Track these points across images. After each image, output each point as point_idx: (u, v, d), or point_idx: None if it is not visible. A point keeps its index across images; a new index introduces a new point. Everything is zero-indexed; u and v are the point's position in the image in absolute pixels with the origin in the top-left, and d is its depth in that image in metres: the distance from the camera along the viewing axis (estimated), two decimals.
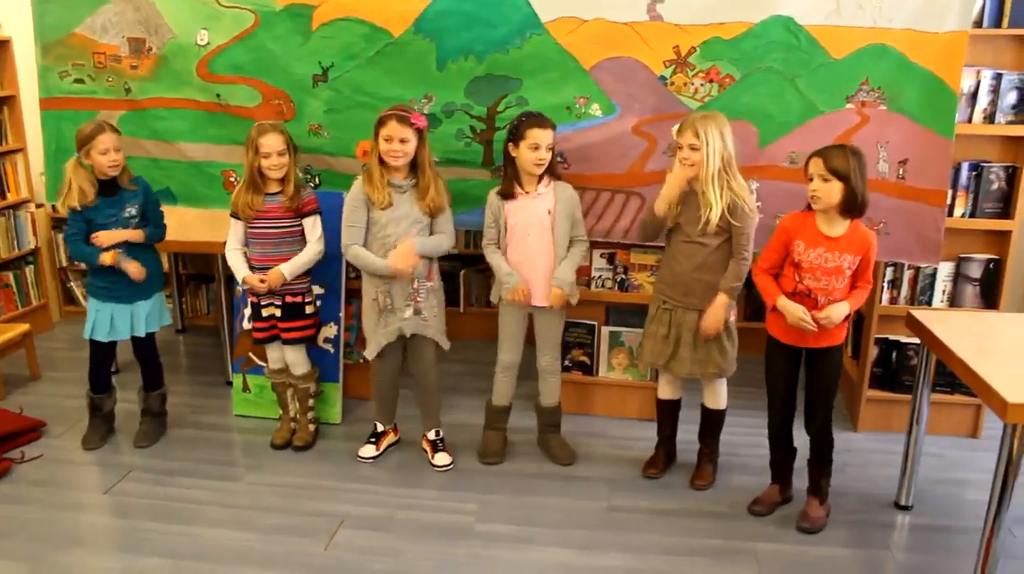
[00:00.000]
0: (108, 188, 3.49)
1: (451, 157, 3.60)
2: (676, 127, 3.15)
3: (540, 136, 3.24)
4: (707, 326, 3.20)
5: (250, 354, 4.04)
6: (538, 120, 3.26)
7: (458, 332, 4.94)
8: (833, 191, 2.82)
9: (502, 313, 3.54)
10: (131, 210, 3.53)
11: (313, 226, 3.57)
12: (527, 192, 3.36)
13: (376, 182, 3.32)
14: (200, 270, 5.36)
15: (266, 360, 3.82)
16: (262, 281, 3.52)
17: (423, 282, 3.43)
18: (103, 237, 3.47)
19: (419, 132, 3.29)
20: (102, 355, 3.72)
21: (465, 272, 5.06)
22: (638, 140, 3.49)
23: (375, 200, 3.33)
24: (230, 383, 4.22)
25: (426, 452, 3.68)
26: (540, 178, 3.36)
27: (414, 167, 3.35)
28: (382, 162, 3.32)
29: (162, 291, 3.75)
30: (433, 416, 3.68)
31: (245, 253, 3.59)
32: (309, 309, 3.68)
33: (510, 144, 3.30)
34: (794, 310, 2.95)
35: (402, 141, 3.25)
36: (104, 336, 3.61)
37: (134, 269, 3.50)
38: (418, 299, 3.43)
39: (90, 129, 3.40)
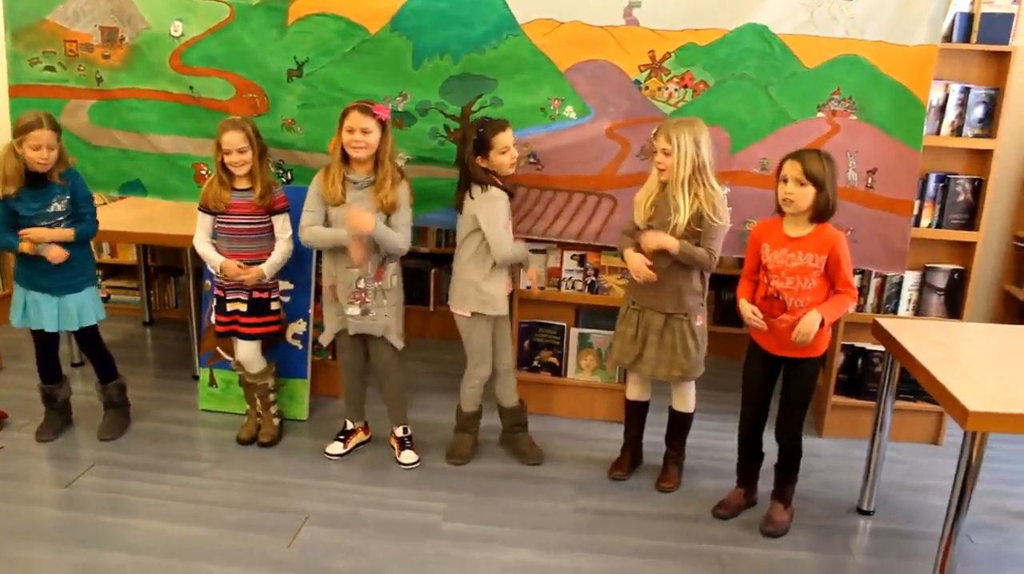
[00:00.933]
0: (36, 181, 3.37)
1: (424, 155, 3.60)
2: (653, 132, 3.17)
3: (507, 138, 3.28)
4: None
5: (217, 349, 4.00)
6: (499, 126, 3.28)
7: (427, 331, 4.95)
8: (807, 195, 2.86)
9: (473, 326, 3.50)
10: (57, 206, 3.42)
11: (283, 224, 3.55)
12: (472, 197, 3.37)
13: (331, 176, 3.31)
14: (169, 263, 5.31)
15: (233, 355, 3.79)
16: (242, 271, 3.50)
17: (370, 281, 3.39)
18: (32, 235, 3.36)
19: (382, 124, 3.26)
20: (43, 344, 3.64)
21: (435, 271, 5.05)
22: (611, 143, 3.50)
23: (325, 195, 3.32)
24: (197, 377, 4.18)
25: (393, 449, 3.67)
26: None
27: (376, 165, 3.32)
28: (345, 158, 3.30)
29: (94, 285, 3.62)
30: (398, 414, 3.67)
31: (214, 246, 3.57)
32: (275, 305, 3.66)
33: (479, 158, 3.29)
34: (744, 308, 3.02)
35: (364, 131, 3.22)
36: (30, 323, 3.52)
37: (54, 253, 3.39)
38: (365, 298, 3.40)
39: (28, 120, 3.29)
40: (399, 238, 3.33)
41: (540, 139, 3.50)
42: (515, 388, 3.66)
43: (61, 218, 3.44)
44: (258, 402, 3.79)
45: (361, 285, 3.39)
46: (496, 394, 3.66)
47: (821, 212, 2.88)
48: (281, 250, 3.55)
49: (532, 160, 3.56)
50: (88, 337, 3.66)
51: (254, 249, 3.53)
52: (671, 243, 3.11)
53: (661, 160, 3.11)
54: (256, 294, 3.59)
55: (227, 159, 3.39)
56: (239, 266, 3.50)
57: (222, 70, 3.67)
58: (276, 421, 3.81)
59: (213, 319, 3.72)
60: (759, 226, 3.08)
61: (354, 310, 3.42)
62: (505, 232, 3.34)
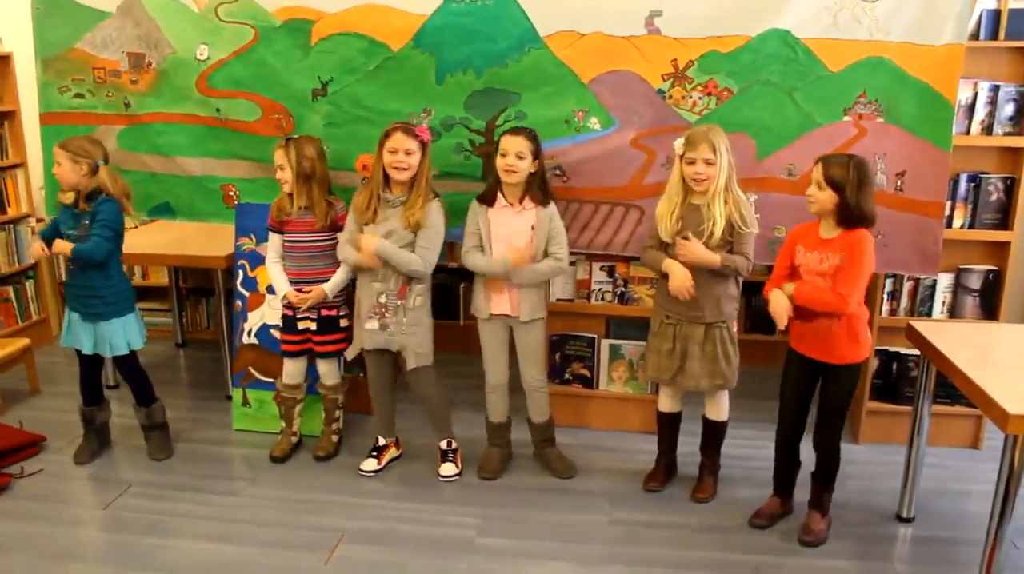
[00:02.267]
0: (80, 202, 3.47)
1: (449, 171, 3.62)
2: (680, 140, 3.16)
3: (506, 142, 3.27)
4: (686, 255, 3.15)
5: (250, 368, 4.03)
6: (511, 130, 3.30)
7: (458, 346, 4.95)
8: (825, 199, 2.86)
9: (481, 330, 3.53)
10: (79, 232, 3.46)
11: None
12: (510, 204, 3.37)
13: (365, 194, 3.37)
14: (200, 284, 5.36)
15: (271, 375, 3.83)
16: (301, 297, 3.56)
17: (392, 298, 3.41)
18: (57, 245, 3.42)
19: (423, 145, 3.31)
20: (86, 366, 3.70)
21: (464, 286, 5.06)
22: (637, 153, 3.50)
23: (357, 209, 3.38)
24: (230, 397, 4.21)
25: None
26: (524, 196, 3.36)
27: (412, 184, 3.36)
28: (385, 177, 3.34)
29: (133, 313, 3.63)
30: (440, 426, 3.68)
31: (284, 267, 3.63)
32: (343, 322, 3.69)
33: (497, 157, 3.34)
34: (775, 297, 2.97)
35: (407, 153, 3.27)
36: (70, 342, 3.59)
37: (59, 246, 3.40)
38: (385, 314, 3.42)
39: (91, 146, 3.44)
40: (411, 259, 3.34)
41: (565, 151, 3.51)
42: (545, 404, 3.63)
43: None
44: (323, 415, 3.84)
45: (382, 300, 3.42)
46: (528, 407, 3.66)
47: (847, 218, 2.86)
48: (345, 268, 3.57)
49: (558, 172, 3.56)
50: (125, 362, 3.70)
51: (319, 266, 3.57)
52: (713, 259, 3.12)
53: (702, 171, 3.09)
54: (325, 312, 3.63)
55: (280, 176, 3.50)
56: (297, 295, 3.56)
57: (248, 92, 3.71)
58: (335, 438, 3.85)
59: (281, 340, 3.75)
60: (797, 228, 3.07)
61: (372, 324, 3.44)
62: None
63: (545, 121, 3.45)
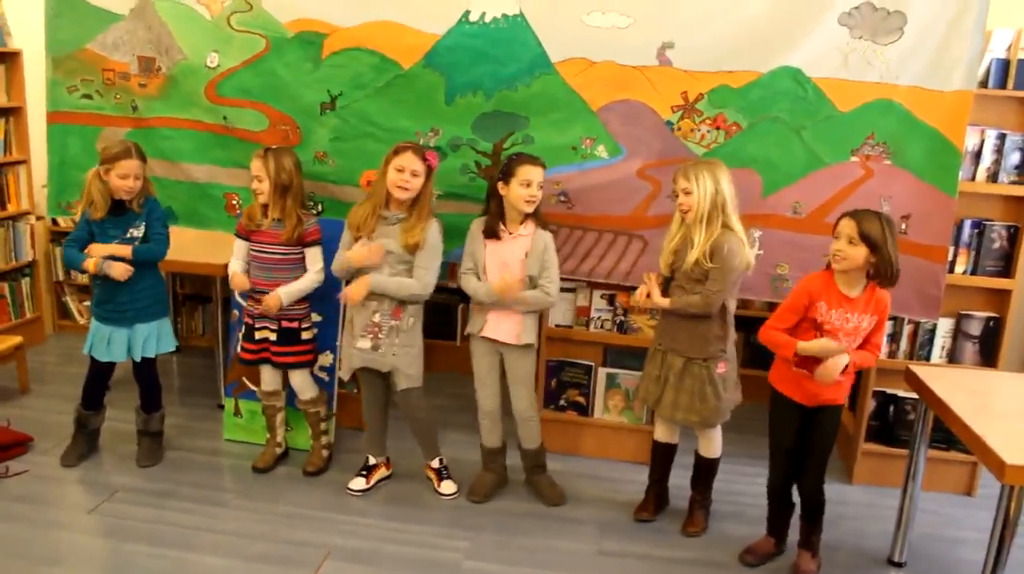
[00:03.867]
0: (117, 208, 3.50)
1: (454, 191, 3.63)
2: (674, 175, 3.20)
3: (531, 173, 3.28)
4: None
5: (243, 378, 4.03)
6: (529, 158, 3.31)
7: (454, 366, 4.94)
8: (857, 256, 2.84)
9: (473, 353, 3.56)
10: (134, 232, 3.54)
11: (313, 257, 3.59)
12: (509, 233, 3.39)
13: (367, 208, 3.38)
14: (197, 291, 5.36)
15: (259, 383, 3.82)
16: (256, 301, 3.58)
17: (387, 318, 3.42)
18: (95, 250, 3.47)
19: (429, 170, 3.33)
20: (99, 373, 3.71)
21: (462, 306, 5.07)
22: (642, 183, 3.52)
23: (353, 220, 3.39)
24: (222, 407, 4.21)
25: (431, 481, 3.69)
26: (524, 219, 3.38)
27: (412, 205, 3.37)
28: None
29: (166, 317, 3.73)
30: (429, 446, 3.69)
31: (248, 272, 3.64)
32: (306, 335, 3.69)
33: (500, 183, 3.33)
34: (825, 345, 2.92)
35: (413, 174, 3.28)
36: (100, 355, 3.61)
37: (118, 270, 3.45)
38: (379, 335, 3.43)
39: (118, 150, 3.43)
40: (407, 285, 3.37)
41: (571, 177, 3.53)
42: (536, 432, 3.63)
43: (138, 244, 3.54)
44: (309, 430, 3.84)
45: (376, 319, 3.43)
46: (519, 435, 3.66)
47: (883, 275, 2.87)
48: (307, 279, 3.59)
49: (563, 199, 3.58)
50: (146, 367, 3.72)
51: (280, 278, 3.58)
52: (661, 303, 3.21)
53: (683, 201, 3.14)
54: (285, 323, 3.62)
55: (255, 187, 3.50)
56: (241, 278, 3.58)
57: (256, 101, 3.72)
58: (325, 452, 3.84)
59: (239, 347, 3.76)
60: (813, 281, 2.99)
61: (364, 343, 3.45)
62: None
63: (552, 147, 3.47)
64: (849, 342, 2.92)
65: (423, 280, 3.37)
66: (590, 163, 3.52)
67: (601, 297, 3.87)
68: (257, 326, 3.64)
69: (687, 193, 3.11)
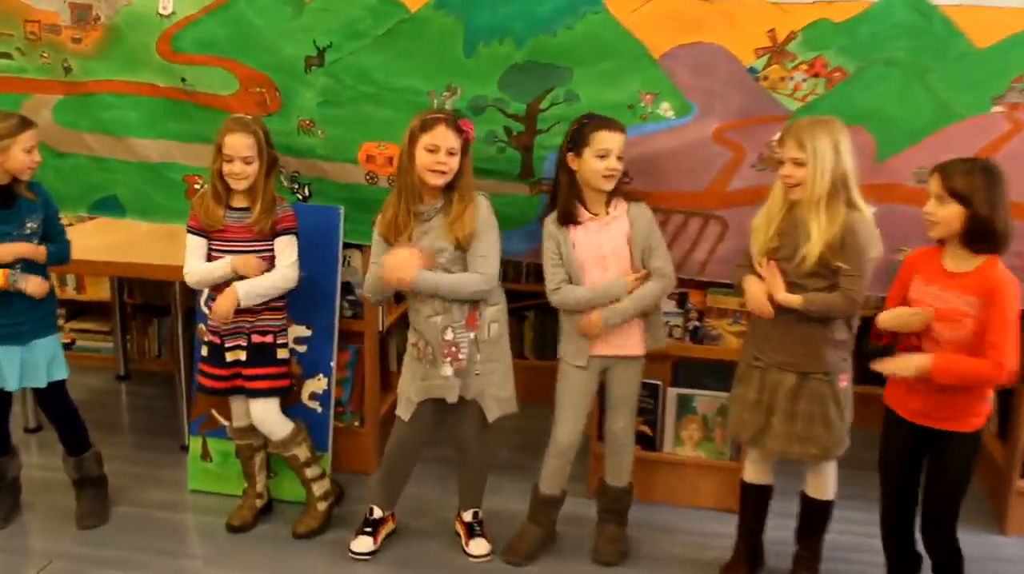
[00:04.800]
0: (4, 198, 3.56)
1: (480, 166, 3.65)
2: (776, 136, 3.23)
3: (609, 140, 3.34)
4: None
5: (212, 411, 4.14)
6: (605, 122, 3.37)
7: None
8: (950, 216, 2.88)
9: (566, 378, 3.61)
10: (31, 225, 3.61)
11: (286, 248, 3.64)
12: (595, 215, 3.47)
13: (395, 208, 3.42)
14: (151, 300, 5.48)
15: (230, 419, 3.92)
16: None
17: (461, 331, 3.48)
18: (31, 252, 3.58)
19: (466, 143, 3.40)
20: None
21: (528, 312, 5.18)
22: (720, 150, 3.57)
23: (387, 233, 3.43)
24: (186, 448, 4.31)
25: (459, 537, 3.77)
26: (610, 197, 3.47)
27: (449, 188, 3.42)
28: (397, 181, 3.44)
29: (59, 331, 3.82)
30: (473, 495, 3.77)
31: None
32: (281, 353, 3.75)
33: (570, 154, 3.41)
34: (902, 315, 3.00)
35: (450, 152, 3.34)
36: None
37: (34, 285, 3.56)
38: (458, 354, 3.46)
39: (13, 120, 3.50)
40: (465, 280, 3.41)
41: (629, 144, 3.51)
42: (628, 465, 3.71)
43: (36, 242, 3.63)
44: (300, 477, 3.88)
45: (449, 336, 3.45)
46: (605, 466, 3.74)
47: (976, 236, 2.87)
48: (275, 276, 3.62)
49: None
50: (55, 396, 3.79)
51: None
52: (792, 301, 3.19)
53: (791, 173, 3.15)
54: (256, 338, 3.69)
55: (227, 168, 3.52)
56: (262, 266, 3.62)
57: (223, 57, 3.82)
58: (322, 506, 3.90)
59: (202, 372, 3.81)
60: (916, 254, 3.10)
61: (447, 370, 3.47)
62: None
63: (603, 106, 3.51)
64: (942, 328, 2.94)
65: (487, 270, 3.43)
66: (652, 125, 3.57)
67: (669, 297, 3.90)
68: (227, 345, 3.70)
69: (799, 164, 3.12)
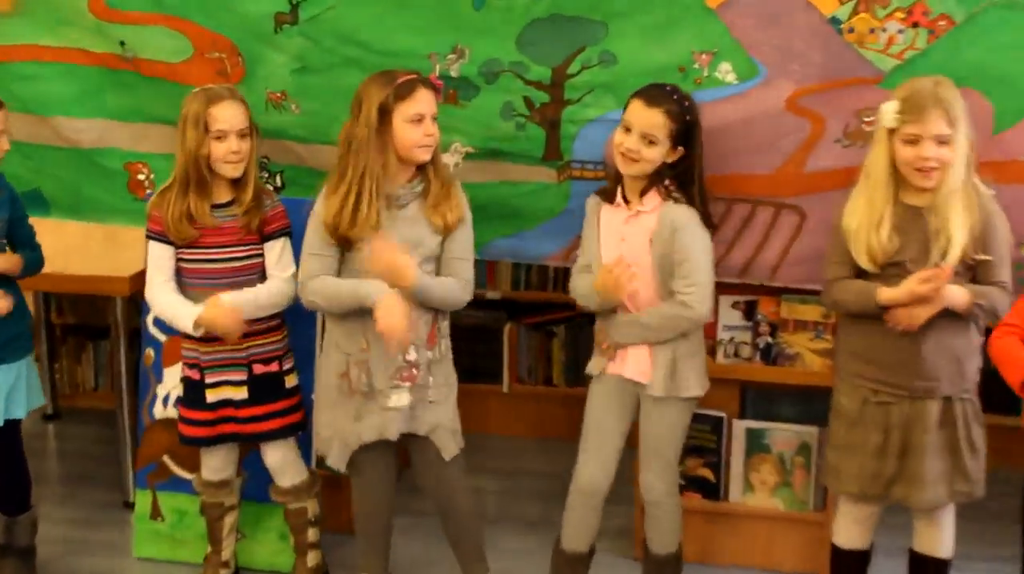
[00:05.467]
0: None
1: (494, 147, 3.67)
2: (892, 104, 3.15)
3: (634, 112, 3.29)
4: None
5: (165, 458, 4.11)
6: (648, 92, 3.31)
7: (498, 425, 4.98)
8: None
9: (591, 395, 3.58)
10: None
11: (281, 253, 3.62)
12: (627, 204, 3.43)
13: (349, 195, 3.32)
14: (84, 320, 5.47)
15: (190, 468, 3.89)
16: (205, 341, 3.57)
17: (423, 350, 3.43)
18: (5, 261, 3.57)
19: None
20: None
21: (510, 327, 5.14)
22: (796, 121, 3.52)
23: (335, 223, 3.34)
24: (131, 505, 4.29)
25: None
26: (647, 187, 3.40)
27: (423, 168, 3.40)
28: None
29: (31, 355, 3.82)
30: (472, 551, 3.71)
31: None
32: (289, 380, 3.74)
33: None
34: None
35: (434, 118, 3.31)
36: None
37: (3, 304, 3.56)
38: (416, 379, 3.43)
39: None
40: (451, 285, 3.39)
41: None
42: (676, 528, 3.65)
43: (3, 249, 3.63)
44: (292, 541, 3.87)
45: (412, 357, 3.41)
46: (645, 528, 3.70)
47: None
48: (271, 289, 3.59)
49: None
50: (9, 436, 3.76)
51: None
52: (958, 302, 3.11)
53: (934, 155, 3.08)
54: (259, 368, 3.65)
55: (220, 149, 3.44)
56: (225, 309, 3.50)
57: (171, 16, 3.78)
58: None
59: (169, 412, 3.81)
60: None
61: (400, 398, 3.42)
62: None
63: (647, 68, 3.48)
64: None
65: (467, 275, 3.42)
66: (708, 92, 3.52)
67: (733, 306, 3.91)
68: (210, 381, 3.65)
69: (943, 143, 3.06)
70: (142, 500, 4.16)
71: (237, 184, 3.53)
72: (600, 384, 3.55)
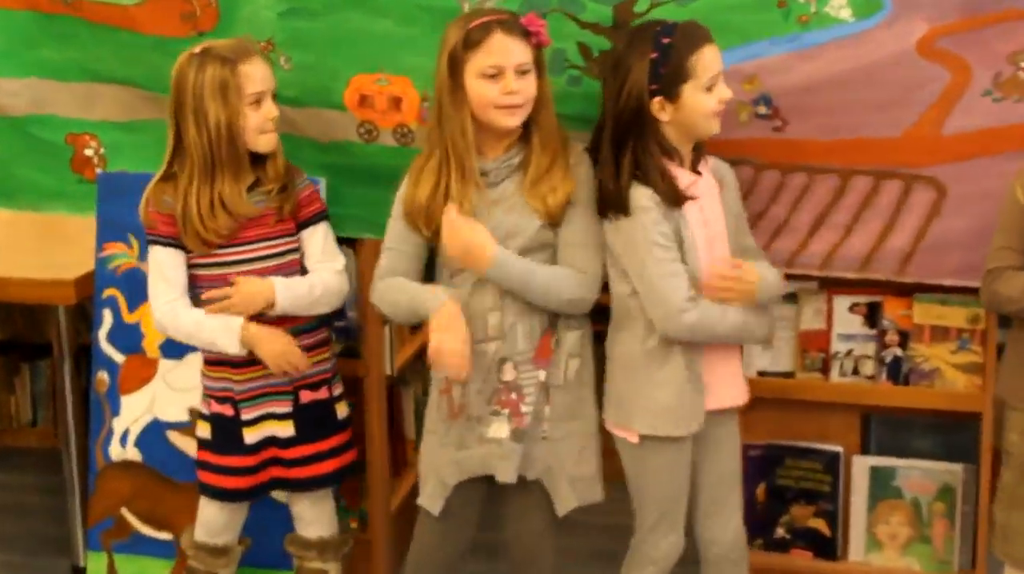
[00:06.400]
0: None
1: None
2: None
3: (716, 60, 3.31)
4: None
5: (123, 511, 4.16)
6: (700, 33, 3.32)
7: None
8: None
9: (645, 460, 3.52)
10: None
11: (325, 240, 3.69)
12: (697, 173, 3.43)
13: (432, 175, 3.37)
14: (20, 335, 5.58)
15: (167, 524, 4.01)
16: (237, 367, 3.62)
17: (528, 368, 3.45)
18: None
19: (539, 53, 3.37)
20: None
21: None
22: (929, 69, 3.54)
23: (417, 211, 3.39)
24: (80, 570, 4.39)
25: None
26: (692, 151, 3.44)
27: (523, 131, 3.41)
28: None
29: None
30: None
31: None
32: (341, 410, 3.81)
33: (658, 101, 3.33)
34: None
35: (520, 71, 3.31)
36: None
37: None
38: (522, 407, 3.43)
39: None
40: (564, 277, 3.39)
41: (778, 67, 3.58)
42: None
43: None
44: None
45: (509, 376, 3.45)
46: None
47: None
48: (326, 282, 3.65)
49: (763, 111, 3.66)
50: None
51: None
52: None
53: None
54: (306, 395, 3.71)
55: (257, 117, 3.50)
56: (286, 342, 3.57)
57: None
58: None
59: (208, 466, 3.77)
60: None
61: (501, 429, 3.43)
62: (661, 280, 3.32)
63: (734, 6, 3.52)
64: None
65: (589, 267, 3.41)
66: (816, 35, 3.55)
67: (851, 309, 3.96)
68: (248, 416, 3.67)
69: None
70: (95, 565, 4.21)
71: (261, 159, 3.59)
72: (683, 444, 3.47)
